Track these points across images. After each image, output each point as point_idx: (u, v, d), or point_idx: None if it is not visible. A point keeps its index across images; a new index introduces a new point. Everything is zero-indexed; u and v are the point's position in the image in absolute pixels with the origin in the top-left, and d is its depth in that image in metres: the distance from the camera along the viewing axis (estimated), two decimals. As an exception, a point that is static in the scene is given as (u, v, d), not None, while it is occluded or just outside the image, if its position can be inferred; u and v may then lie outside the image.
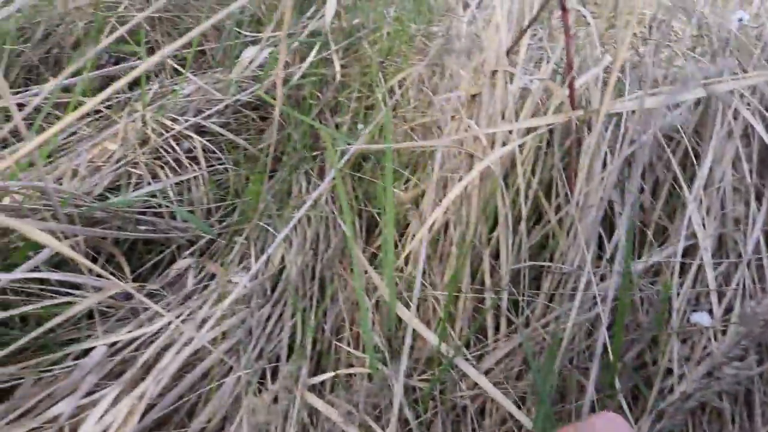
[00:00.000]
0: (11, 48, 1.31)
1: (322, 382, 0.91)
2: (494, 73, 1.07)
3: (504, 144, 0.99)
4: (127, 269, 1.00)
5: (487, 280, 0.92)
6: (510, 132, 0.99)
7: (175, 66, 1.49)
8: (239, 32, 1.66)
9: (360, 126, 1.52)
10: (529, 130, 0.99)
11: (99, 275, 0.75)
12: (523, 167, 0.98)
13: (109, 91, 0.69)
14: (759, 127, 1.04)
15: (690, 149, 1.09)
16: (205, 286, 1.04)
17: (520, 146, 0.98)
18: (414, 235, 1.03)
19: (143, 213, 1.12)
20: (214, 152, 1.31)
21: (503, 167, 1.00)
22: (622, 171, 1.10)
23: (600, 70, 1.05)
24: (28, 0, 1.31)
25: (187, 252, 1.12)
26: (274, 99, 1.49)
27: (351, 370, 0.88)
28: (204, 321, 0.85)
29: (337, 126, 1.55)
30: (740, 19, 1.22)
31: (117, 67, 1.43)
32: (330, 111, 1.61)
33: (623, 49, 0.96)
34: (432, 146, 1.12)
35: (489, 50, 1.13)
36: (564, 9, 0.92)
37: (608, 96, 0.93)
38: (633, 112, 1.00)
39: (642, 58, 1.26)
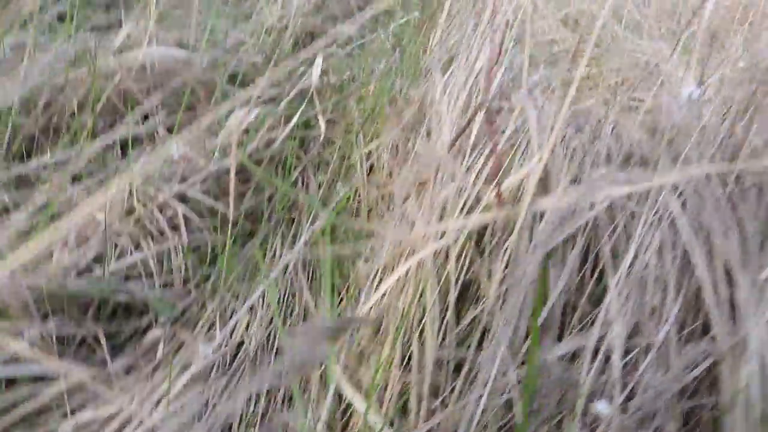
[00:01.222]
0: (14, 122, 1.44)
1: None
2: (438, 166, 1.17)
3: (442, 236, 1.10)
4: (104, 343, 1.12)
5: (414, 365, 1.03)
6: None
7: (164, 130, 1.62)
8: (229, 89, 1.78)
9: (339, 185, 1.63)
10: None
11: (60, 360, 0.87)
12: (455, 260, 1.08)
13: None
14: (681, 219, 1.11)
15: (624, 234, 1.18)
16: (176, 353, 1.17)
17: (454, 240, 1.09)
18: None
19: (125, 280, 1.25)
20: (194, 219, 1.43)
21: (437, 259, 1.10)
22: (565, 254, 1.20)
23: (534, 165, 1.15)
24: (34, 80, 1.44)
25: (163, 319, 1.24)
26: (257, 165, 1.61)
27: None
28: (160, 400, 0.97)
29: (319, 185, 1.66)
30: (689, 95, 1.24)
31: (110, 134, 1.55)
32: (314, 168, 1.72)
33: (547, 150, 1.05)
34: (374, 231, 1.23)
35: (438, 139, 1.24)
36: (489, 122, 1.02)
37: (528, 195, 1.03)
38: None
39: (594, 143, 1.35)
